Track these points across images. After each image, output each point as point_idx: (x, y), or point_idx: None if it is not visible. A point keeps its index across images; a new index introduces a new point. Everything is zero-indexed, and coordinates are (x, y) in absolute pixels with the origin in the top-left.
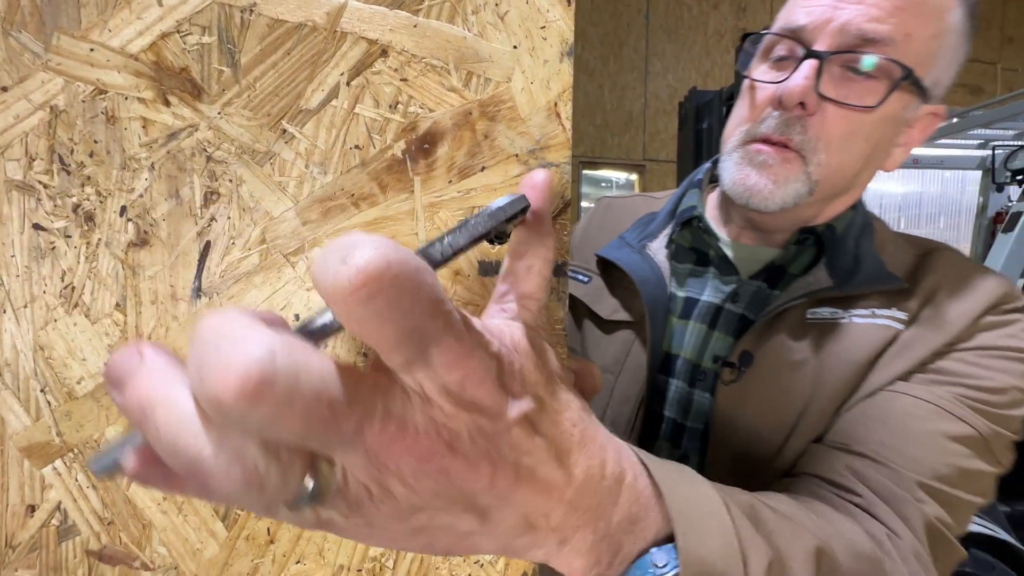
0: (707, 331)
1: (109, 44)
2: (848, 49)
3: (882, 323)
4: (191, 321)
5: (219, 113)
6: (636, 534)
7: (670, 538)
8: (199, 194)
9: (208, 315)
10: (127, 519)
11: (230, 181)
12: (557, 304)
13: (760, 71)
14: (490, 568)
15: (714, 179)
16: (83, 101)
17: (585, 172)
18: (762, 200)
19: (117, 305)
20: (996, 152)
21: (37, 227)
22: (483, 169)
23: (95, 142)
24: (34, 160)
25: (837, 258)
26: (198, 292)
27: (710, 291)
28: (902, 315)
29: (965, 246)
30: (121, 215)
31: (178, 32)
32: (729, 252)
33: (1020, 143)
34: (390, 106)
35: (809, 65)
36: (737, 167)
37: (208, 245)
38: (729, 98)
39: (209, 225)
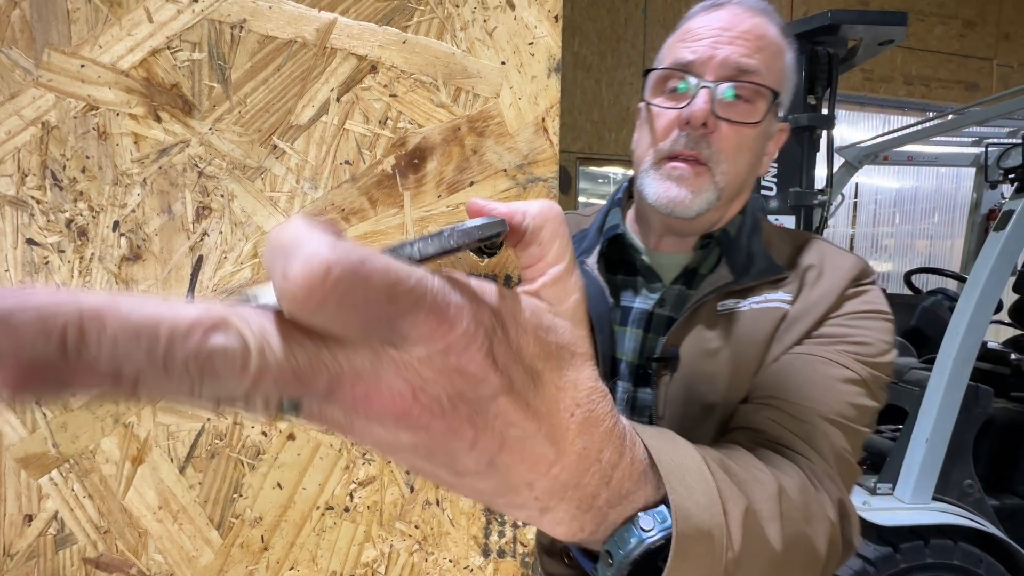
0: (643, 335)
1: (100, 60)
2: (731, 79)
3: (773, 305)
4: None
5: (210, 129)
6: (624, 506)
7: (656, 504)
8: (191, 209)
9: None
10: (123, 527)
11: (222, 196)
12: None
13: (658, 101)
14: (480, 574)
15: (632, 196)
16: (74, 117)
17: (583, 168)
18: (684, 208)
19: None
20: (990, 149)
21: (31, 242)
22: (472, 184)
23: (87, 158)
24: (27, 176)
25: (734, 257)
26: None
27: (641, 299)
28: (787, 296)
29: (959, 242)
30: (114, 230)
31: (168, 48)
32: (651, 261)
33: (1014, 141)
34: (380, 122)
35: (706, 92)
36: (658, 183)
37: (200, 259)
38: None
39: (201, 240)
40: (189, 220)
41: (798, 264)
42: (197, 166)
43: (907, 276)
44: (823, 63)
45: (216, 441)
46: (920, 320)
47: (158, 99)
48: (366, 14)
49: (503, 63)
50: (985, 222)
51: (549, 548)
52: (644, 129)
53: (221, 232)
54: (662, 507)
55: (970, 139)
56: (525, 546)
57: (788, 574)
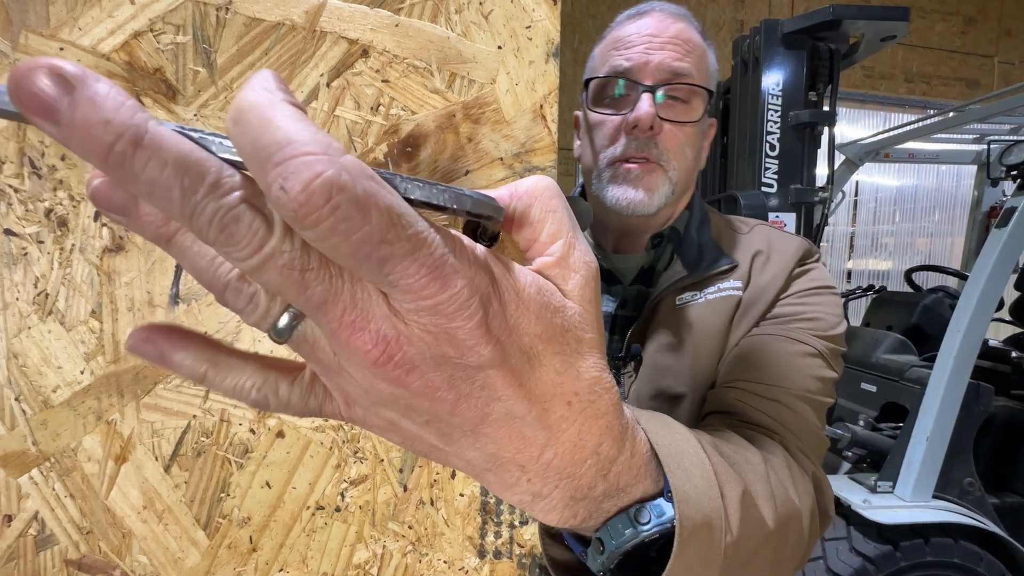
0: (609, 338)
1: (79, 43)
2: (668, 82)
3: (727, 294)
4: None
5: (195, 115)
6: (619, 497)
7: (654, 496)
8: None
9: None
10: (106, 528)
11: None
12: None
13: (600, 109)
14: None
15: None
16: None
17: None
18: (644, 207)
19: (93, 312)
20: (992, 146)
21: (8, 232)
22: (467, 173)
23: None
24: (3, 164)
25: (686, 252)
26: (176, 299)
27: (604, 303)
28: (739, 283)
29: (959, 240)
30: (95, 220)
31: (151, 31)
32: (610, 264)
33: (1016, 138)
34: (371, 108)
35: (648, 96)
36: (615, 187)
37: None
38: (726, 92)
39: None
40: None
41: (746, 251)
42: None
43: (908, 274)
44: (824, 59)
45: (202, 439)
46: (921, 318)
47: (140, 84)
48: None
49: (499, 47)
50: (986, 220)
51: (551, 530)
52: (588, 137)
53: None
54: (660, 500)
55: (972, 136)
56: (522, 547)
57: (781, 552)
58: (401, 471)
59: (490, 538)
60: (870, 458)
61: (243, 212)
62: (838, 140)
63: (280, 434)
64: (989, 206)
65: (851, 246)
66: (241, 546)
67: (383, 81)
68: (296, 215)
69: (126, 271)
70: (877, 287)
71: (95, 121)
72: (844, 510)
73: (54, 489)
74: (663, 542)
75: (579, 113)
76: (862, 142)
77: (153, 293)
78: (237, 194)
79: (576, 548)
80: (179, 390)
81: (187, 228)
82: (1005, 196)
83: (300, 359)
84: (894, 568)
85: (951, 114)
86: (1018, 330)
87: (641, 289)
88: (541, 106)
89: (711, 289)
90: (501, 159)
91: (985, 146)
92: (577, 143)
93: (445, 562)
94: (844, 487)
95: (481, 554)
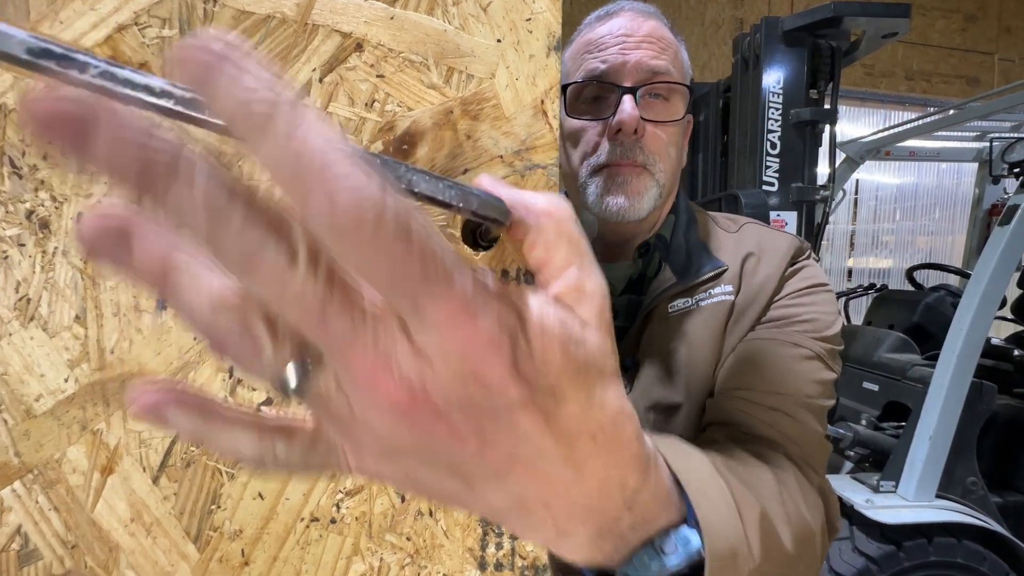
0: None
1: (61, 37)
2: (648, 82)
3: (718, 300)
4: (156, 334)
5: None
6: (644, 529)
7: (677, 524)
8: None
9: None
10: (92, 542)
11: None
12: None
13: (580, 114)
14: None
15: None
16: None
17: None
18: (634, 212)
19: (77, 318)
20: (994, 144)
21: None
22: (466, 171)
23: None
24: None
25: (674, 258)
26: (163, 303)
27: None
28: (730, 288)
29: (959, 238)
30: (79, 222)
31: (136, 24)
32: None
33: (1017, 135)
34: (366, 104)
35: (629, 98)
36: (603, 192)
37: None
38: (726, 90)
39: None
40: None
41: (736, 252)
42: None
43: (909, 272)
44: (825, 56)
45: (192, 448)
46: (923, 316)
47: None
48: None
49: (499, 41)
50: (987, 217)
51: (564, 566)
52: (567, 145)
53: None
54: (683, 528)
55: (973, 133)
56: (524, 558)
57: (796, 571)
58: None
59: (491, 550)
60: (872, 458)
61: (268, 237)
62: (839, 138)
63: None
64: (991, 204)
65: (851, 244)
66: (233, 559)
67: (378, 76)
68: (341, 231)
69: (112, 274)
70: (878, 286)
71: (131, 142)
72: (847, 510)
73: (37, 502)
74: (686, 571)
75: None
76: (863, 140)
77: (140, 298)
78: (264, 218)
79: None
80: None
81: (207, 251)
82: (1007, 194)
83: (297, 416)
84: (897, 568)
85: (951, 112)
86: (1020, 328)
87: (632, 299)
88: (542, 101)
89: (703, 295)
90: (501, 157)
91: (986, 144)
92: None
93: (445, 575)
94: (847, 487)
95: (482, 566)
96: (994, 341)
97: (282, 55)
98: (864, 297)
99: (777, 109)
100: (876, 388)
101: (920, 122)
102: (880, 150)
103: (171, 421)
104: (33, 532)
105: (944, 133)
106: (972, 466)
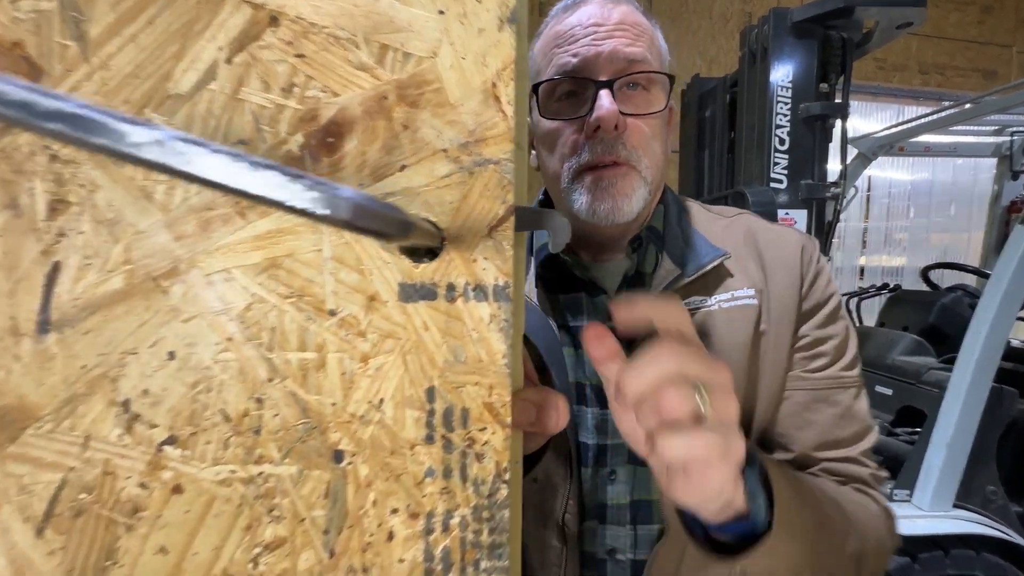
0: None
1: None
2: (625, 72)
3: (743, 304)
4: (38, 362)
5: None
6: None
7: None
8: (42, 203)
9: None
10: None
11: (81, 186)
12: (498, 334)
13: (555, 114)
14: None
15: None
16: None
17: None
18: (623, 214)
19: None
20: (1015, 139)
21: None
22: (403, 168)
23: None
24: None
25: (672, 247)
26: (46, 325)
27: (588, 315)
28: (752, 291)
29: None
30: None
31: None
32: (592, 274)
33: None
34: (283, 89)
35: (606, 92)
36: (590, 197)
37: (56, 266)
38: (733, 85)
39: (57, 242)
40: (40, 217)
41: (735, 240)
42: (48, 148)
43: (924, 272)
44: (836, 48)
45: (82, 495)
46: (938, 318)
47: None
48: None
49: (441, 13)
50: (1006, 215)
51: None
52: (544, 147)
53: (82, 232)
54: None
55: (991, 128)
56: None
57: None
58: (327, 532)
59: None
60: (885, 465)
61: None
62: (850, 134)
63: (177, 489)
64: (1010, 200)
65: (864, 242)
66: None
67: (297, 56)
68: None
69: None
70: (892, 286)
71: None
72: None
73: None
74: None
75: (529, 120)
76: (876, 135)
77: (18, 318)
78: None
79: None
80: (52, 436)
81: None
82: None
83: None
84: None
85: (968, 106)
86: None
87: (631, 296)
88: (494, 84)
89: (723, 296)
90: (445, 150)
91: (1005, 138)
92: (532, 153)
93: None
94: None
95: None
96: (1014, 343)
97: (182, 32)
98: (877, 297)
99: (786, 103)
100: (890, 392)
101: (935, 116)
102: (893, 146)
103: None
104: None
105: (961, 128)
106: (991, 474)
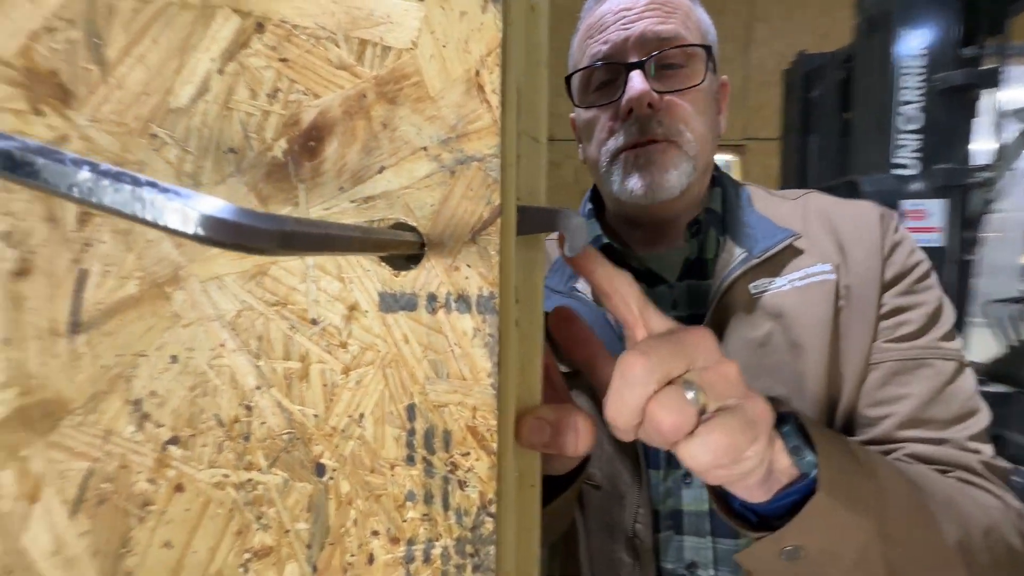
0: None
1: None
2: (656, 50)
3: (818, 279)
4: (69, 360)
5: (90, 120)
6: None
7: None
8: (72, 214)
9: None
10: (21, 572)
11: None
12: (482, 350)
13: (588, 103)
14: None
15: (603, 207)
16: None
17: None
18: (665, 190)
19: (7, 340)
20: None
21: None
22: (382, 170)
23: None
24: None
25: (734, 229)
26: (76, 327)
27: None
28: (828, 267)
29: None
30: (4, 241)
31: (46, 29)
32: (649, 264)
33: None
34: (268, 96)
35: (637, 73)
36: (627, 178)
37: (84, 273)
38: (847, 59)
39: (84, 251)
40: (70, 228)
41: (806, 220)
42: None
43: None
44: (985, 5)
45: (104, 484)
46: None
47: (39, 90)
48: None
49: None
50: None
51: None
52: (586, 136)
53: (104, 242)
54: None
55: None
56: None
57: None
58: (310, 547)
59: None
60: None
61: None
62: (1007, 106)
63: (179, 487)
64: None
65: None
66: None
67: (280, 60)
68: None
69: (32, 296)
70: None
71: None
72: None
73: None
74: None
75: (573, 114)
76: None
77: (56, 320)
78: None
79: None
80: (81, 428)
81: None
82: None
83: None
84: None
85: None
86: None
87: (692, 284)
88: (477, 72)
89: (795, 275)
90: (425, 149)
91: None
92: (580, 147)
93: None
94: None
95: None
96: None
97: (180, 48)
98: None
99: (918, 76)
100: None
101: None
102: None
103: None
104: None
105: None
106: None
